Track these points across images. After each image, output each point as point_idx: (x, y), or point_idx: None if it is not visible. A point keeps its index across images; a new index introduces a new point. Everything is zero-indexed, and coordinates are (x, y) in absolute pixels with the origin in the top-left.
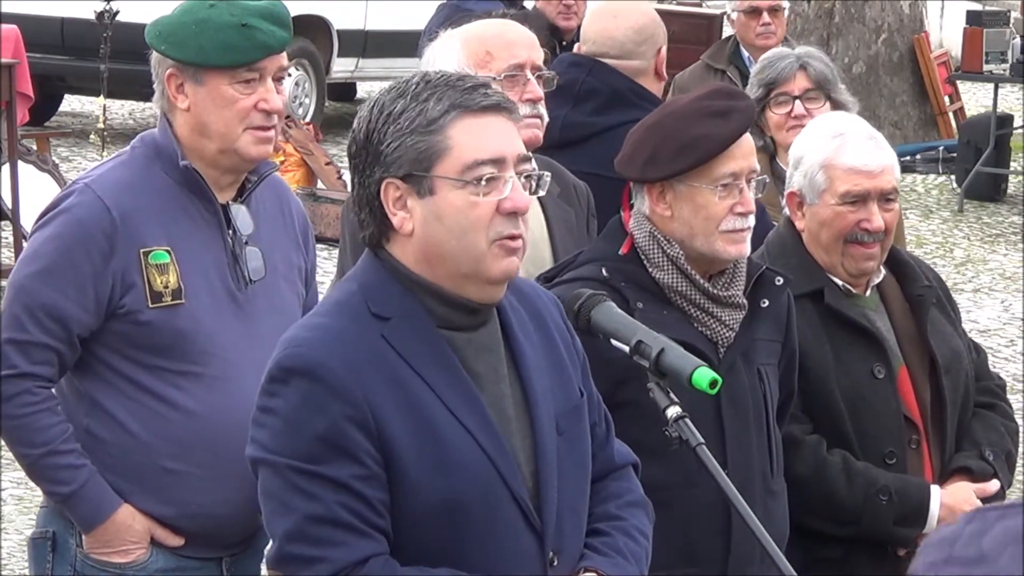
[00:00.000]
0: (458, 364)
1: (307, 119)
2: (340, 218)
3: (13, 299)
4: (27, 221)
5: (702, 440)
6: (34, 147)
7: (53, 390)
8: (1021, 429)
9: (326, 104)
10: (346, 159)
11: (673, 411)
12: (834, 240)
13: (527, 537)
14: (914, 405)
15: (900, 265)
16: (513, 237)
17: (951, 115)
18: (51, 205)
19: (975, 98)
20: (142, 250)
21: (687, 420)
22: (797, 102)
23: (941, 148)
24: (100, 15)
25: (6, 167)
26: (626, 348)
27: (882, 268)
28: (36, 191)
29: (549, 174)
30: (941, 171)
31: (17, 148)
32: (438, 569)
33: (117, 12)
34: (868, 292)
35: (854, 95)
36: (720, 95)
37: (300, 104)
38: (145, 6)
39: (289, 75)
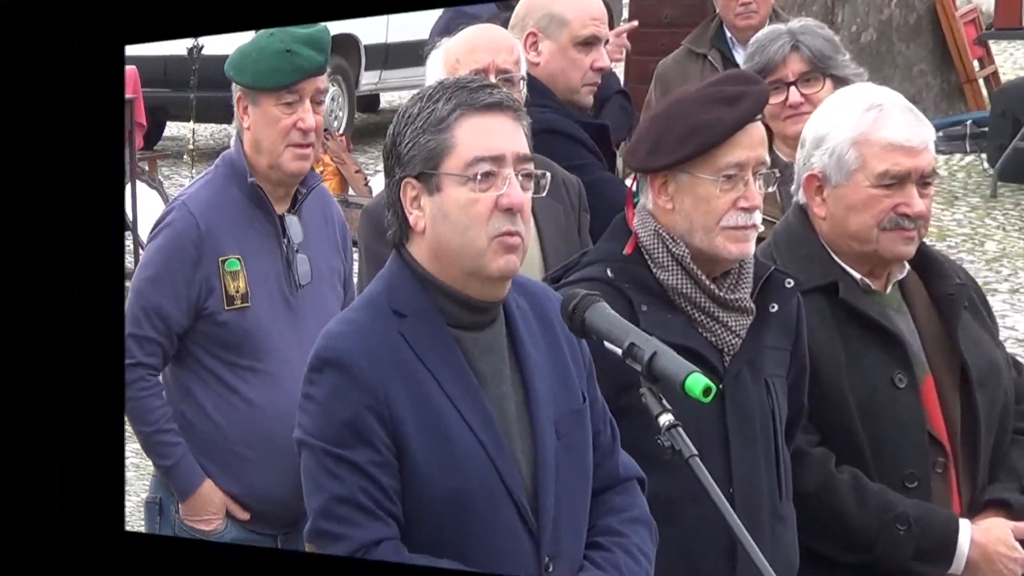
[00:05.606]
0: (465, 363)
1: (340, 131)
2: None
3: (133, 300)
4: (142, 232)
5: (695, 452)
6: (146, 168)
7: (160, 378)
8: None
9: (355, 115)
10: (372, 167)
11: (665, 419)
12: (865, 227)
13: (523, 538)
14: (940, 422)
15: (926, 261)
16: (511, 234)
17: (981, 82)
18: (159, 219)
19: (1012, 59)
20: (220, 258)
21: (680, 430)
22: (792, 89)
23: (969, 122)
24: (190, 51)
25: (128, 186)
26: (619, 351)
27: (905, 263)
28: (148, 206)
29: (550, 175)
30: (969, 149)
31: (136, 170)
32: (442, 559)
33: (203, 47)
34: (888, 289)
35: (863, 67)
36: (733, 80)
37: (336, 117)
38: (224, 39)
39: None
